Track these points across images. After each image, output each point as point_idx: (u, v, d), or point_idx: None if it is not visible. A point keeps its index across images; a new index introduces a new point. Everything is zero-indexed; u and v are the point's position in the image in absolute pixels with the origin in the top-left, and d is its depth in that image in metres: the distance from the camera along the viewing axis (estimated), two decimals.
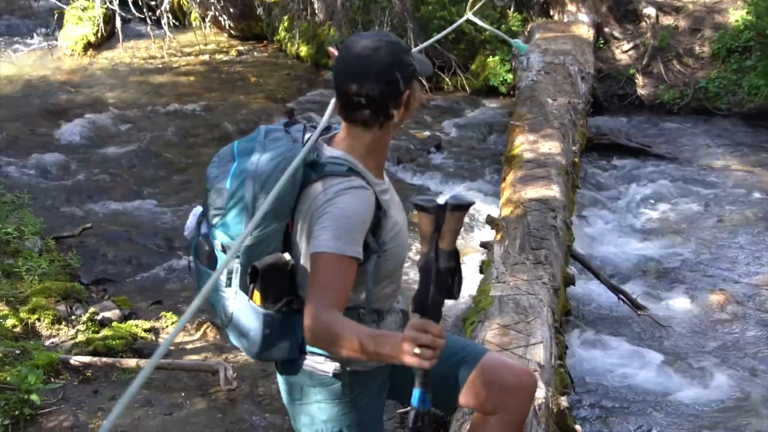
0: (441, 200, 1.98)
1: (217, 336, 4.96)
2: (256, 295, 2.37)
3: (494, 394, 2.58)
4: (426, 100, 8.59)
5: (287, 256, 2.40)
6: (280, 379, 2.60)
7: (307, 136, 2.44)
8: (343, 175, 2.33)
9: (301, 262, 2.39)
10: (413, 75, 2.39)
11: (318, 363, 2.46)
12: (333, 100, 2.47)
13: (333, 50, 2.58)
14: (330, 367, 2.46)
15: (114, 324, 4.91)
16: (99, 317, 4.94)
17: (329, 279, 2.24)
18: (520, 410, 2.64)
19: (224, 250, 2.41)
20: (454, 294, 2.06)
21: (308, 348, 2.45)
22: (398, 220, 2.47)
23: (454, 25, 4.38)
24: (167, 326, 5.05)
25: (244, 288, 2.39)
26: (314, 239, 2.28)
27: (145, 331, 4.93)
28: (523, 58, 8.72)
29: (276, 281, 2.36)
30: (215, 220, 2.41)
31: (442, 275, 1.99)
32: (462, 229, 2.03)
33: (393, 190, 2.55)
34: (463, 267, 2.10)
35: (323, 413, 2.52)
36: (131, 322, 4.99)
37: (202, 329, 5.00)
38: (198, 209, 2.59)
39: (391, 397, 2.71)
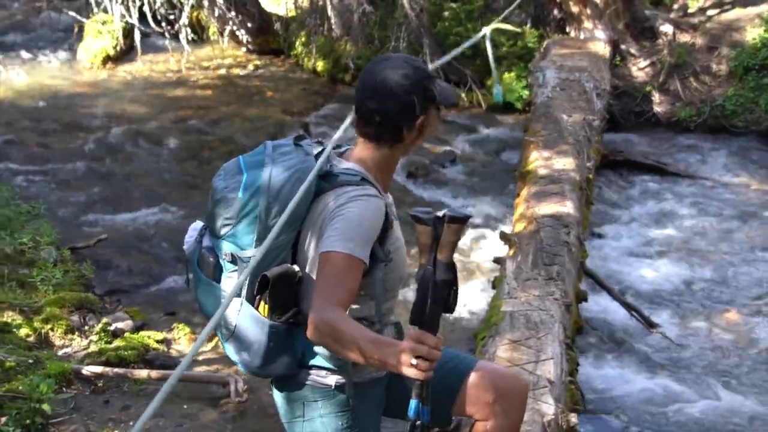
0: (439, 213, 2.01)
1: None
2: (263, 306, 2.38)
3: (488, 401, 2.61)
4: (442, 116, 8.59)
5: (296, 266, 2.42)
6: (277, 397, 2.60)
7: (319, 149, 2.49)
8: (356, 183, 2.38)
9: (307, 270, 2.42)
10: (431, 101, 2.45)
11: (320, 377, 2.47)
12: (350, 115, 2.52)
13: None
14: (332, 380, 2.47)
15: (126, 335, 4.94)
16: (112, 328, 4.97)
17: (336, 277, 2.24)
18: (514, 415, 2.69)
19: (234, 260, 2.42)
20: (450, 307, 2.09)
21: (309, 362, 2.46)
22: (399, 236, 2.52)
23: (472, 41, 4.37)
24: (179, 337, 5.07)
25: (251, 299, 2.39)
26: (325, 240, 2.29)
27: (158, 342, 4.96)
28: (539, 74, 8.72)
29: (284, 292, 2.37)
30: (224, 231, 2.43)
31: (440, 288, 2.02)
32: (460, 242, 2.08)
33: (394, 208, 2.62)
34: (459, 281, 2.13)
35: (327, 428, 2.51)
36: (144, 333, 5.02)
37: (214, 341, 5.01)
38: (197, 224, 2.60)
39: (387, 414, 2.71)
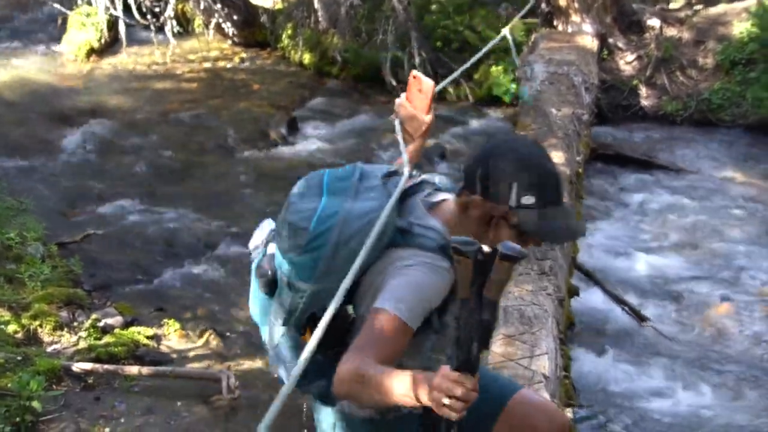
0: (485, 246, 1.83)
1: (220, 344, 4.94)
2: (308, 336, 2.27)
3: None
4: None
5: (350, 309, 2.28)
6: (313, 404, 2.50)
7: (398, 188, 2.28)
8: (432, 250, 2.19)
9: (360, 313, 2.27)
10: (505, 203, 2.18)
11: (354, 407, 2.37)
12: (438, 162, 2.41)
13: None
14: (366, 412, 2.37)
15: (116, 331, 4.90)
16: (101, 324, 4.93)
17: (382, 336, 2.10)
18: None
19: (290, 286, 2.27)
20: (489, 345, 1.94)
21: None
22: None
23: (493, 43, 4.23)
24: (169, 333, 5.03)
25: (298, 326, 2.31)
26: (381, 294, 2.14)
27: (148, 337, 4.92)
28: (527, 68, 8.71)
29: (334, 331, 2.17)
30: (288, 255, 2.27)
31: (485, 329, 1.86)
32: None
33: None
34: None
35: None
36: (133, 328, 4.98)
37: (205, 337, 4.98)
38: (268, 224, 2.49)
39: None
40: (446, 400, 1.81)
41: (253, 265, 2.41)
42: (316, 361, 2.18)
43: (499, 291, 1.83)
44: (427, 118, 2.53)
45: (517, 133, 2.16)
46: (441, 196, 2.34)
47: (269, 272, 2.32)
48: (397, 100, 2.56)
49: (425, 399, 1.87)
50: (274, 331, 2.34)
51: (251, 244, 2.47)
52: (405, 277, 2.15)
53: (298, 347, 2.28)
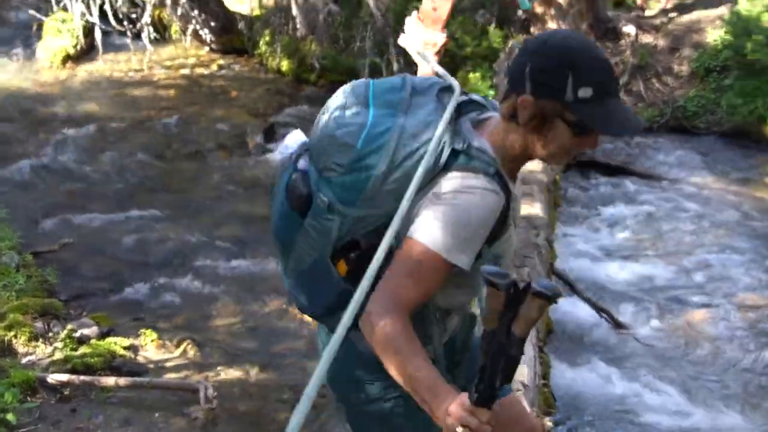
0: (518, 280, 1.71)
1: (198, 354, 4.91)
2: (342, 265, 2.07)
3: None
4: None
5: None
6: (322, 333, 2.31)
7: (451, 107, 2.03)
8: (485, 174, 1.97)
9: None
10: (553, 96, 1.93)
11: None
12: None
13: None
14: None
15: (92, 341, 4.85)
16: (77, 334, 4.87)
17: (417, 274, 1.92)
18: None
19: (331, 209, 2.04)
20: (511, 380, 1.80)
21: None
22: (512, 234, 2.13)
23: None
24: (146, 344, 4.99)
25: (332, 253, 2.08)
26: (420, 223, 1.94)
27: (124, 348, 4.87)
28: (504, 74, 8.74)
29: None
30: (329, 174, 2.05)
31: (511, 364, 1.73)
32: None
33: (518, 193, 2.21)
34: None
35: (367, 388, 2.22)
36: (110, 339, 4.93)
37: (182, 347, 4.95)
38: (298, 135, 2.26)
39: None
40: (459, 429, 1.73)
41: (284, 180, 2.16)
42: (345, 293, 1.98)
43: (528, 328, 1.71)
44: (443, 35, 2.41)
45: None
46: (488, 113, 2.11)
47: (304, 191, 2.10)
48: (409, 19, 2.41)
49: (439, 417, 1.78)
50: (305, 256, 2.12)
51: (278, 154, 2.24)
52: (451, 207, 1.94)
53: (329, 278, 2.08)
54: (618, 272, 6.39)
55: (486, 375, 1.73)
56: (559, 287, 1.72)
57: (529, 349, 4.13)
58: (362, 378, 2.23)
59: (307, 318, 5.22)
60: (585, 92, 1.92)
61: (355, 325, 1.82)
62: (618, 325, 5.56)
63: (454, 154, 1.98)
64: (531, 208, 5.72)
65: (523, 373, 3.92)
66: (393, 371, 1.90)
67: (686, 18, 10.37)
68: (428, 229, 1.93)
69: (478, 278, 1.92)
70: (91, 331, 4.97)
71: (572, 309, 5.72)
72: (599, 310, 5.63)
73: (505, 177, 2.00)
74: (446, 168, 1.97)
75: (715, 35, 9.74)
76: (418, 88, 2.07)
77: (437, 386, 1.82)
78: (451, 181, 1.96)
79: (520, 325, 1.69)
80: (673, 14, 10.43)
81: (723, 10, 10.11)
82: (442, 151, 1.96)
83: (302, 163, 2.14)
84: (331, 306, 2.11)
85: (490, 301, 1.71)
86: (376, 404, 2.25)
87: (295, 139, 2.22)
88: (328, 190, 2.04)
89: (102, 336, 4.97)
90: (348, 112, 2.06)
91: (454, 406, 1.73)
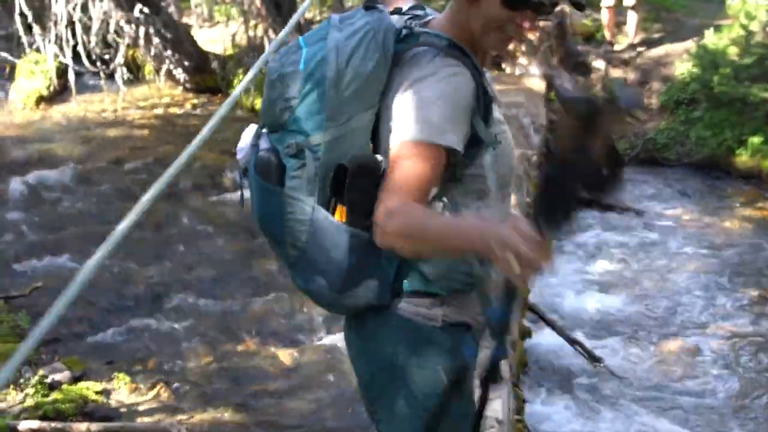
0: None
1: (171, 396, 4.87)
2: (340, 209, 1.95)
3: None
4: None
5: (379, 156, 1.94)
6: (362, 344, 2.13)
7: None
8: (441, 47, 1.90)
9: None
10: None
11: (424, 307, 2.01)
12: None
13: None
14: (440, 311, 2.01)
15: (64, 386, 4.79)
16: (48, 380, 4.82)
17: (411, 170, 1.81)
18: None
19: (298, 152, 1.96)
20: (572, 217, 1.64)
21: (407, 287, 2.00)
22: (501, 118, 2.05)
23: None
24: (119, 387, 4.94)
25: (324, 200, 1.96)
26: (395, 126, 1.87)
27: (97, 392, 4.82)
28: None
29: (366, 188, 1.86)
30: (285, 117, 1.98)
31: (595, 180, 1.61)
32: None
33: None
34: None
35: (436, 376, 2.07)
36: (82, 383, 4.88)
37: (155, 390, 4.91)
38: (251, 127, 2.17)
39: None
40: (511, 258, 1.57)
41: (251, 167, 2.09)
42: (361, 244, 1.89)
43: (610, 138, 1.61)
44: None
45: None
46: (429, 15, 2.09)
47: (272, 158, 2.02)
48: None
49: (485, 247, 1.62)
50: (298, 227, 2.00)
51: (239, 154, 2.17)
52: (414, 97, 1.86)
53: (334, 231, 1.96)
54: (592, 305, 6.43)
55: (550, 203, 1.60)
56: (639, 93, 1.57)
57: (503, 385, 4.14)
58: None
59: (281, 356, 5.22)
60: None
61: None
62: (592, 359, 5.58)
63: (401, 39, 1.94)
64: None
65: (497, 408, 3.92)
66: (427, 251, 1.82)
67: (654, 52, 10.53)
68: (403, 126, 1.86)
69: (486, 166, 1.92)
70: (63, 376, 4.92)
71: (546, 343, 5.74)
72: (573, 343, 5.64)
73: (464, 49, 1.94)
74: (397, 62, 1.91)
75: (683, 68, 9.89)
76: (345, 15, 2.03)
77: (482, 220, 1.74)
78: (408, 73, 1.90)
79: (600, 140, 1.58)
80: (641, 48, 10.58)
81: (690, 44, 10.28)
82: (386, 36, 1.89)
83: (262, 143, 2.08)
84: (351, 269, 1.96)
85: (563, 126, 1.67)
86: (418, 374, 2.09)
87: (247, 133, 2.18)
88: (291, 134, 1.98)
89: (74, 381, 4.92)
90: (284, 57, 2.03)
91: (509, 230, 1.59)
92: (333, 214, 1.96)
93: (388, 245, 1.83)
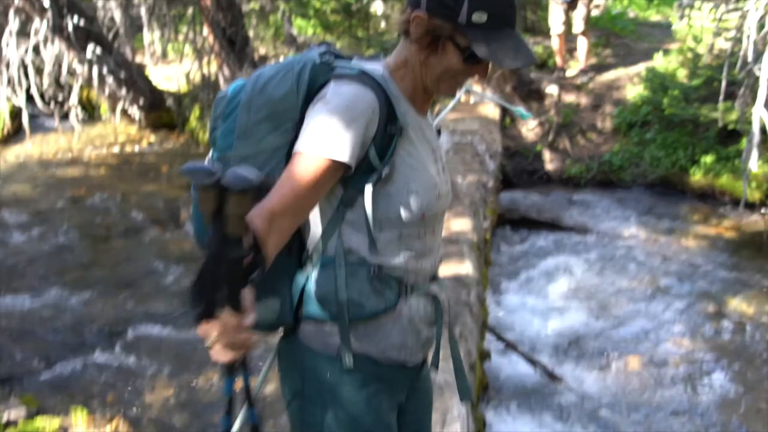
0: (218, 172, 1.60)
1: (130, 430, 4.81)
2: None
3: None
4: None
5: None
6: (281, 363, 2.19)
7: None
8: (350, 77, 1.94)
9: None
10: (447, 17, 1.90)
11: (321, 333, 2.03)
12: None
13: None
14: (336, 340, 2.02)
15: (20, 423, 4.72)
16: (4, 418, 4.75)
17: (290, 179, 1.82)
18: None
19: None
20: (254, 279, 1.67)
21: (307, 311, 2.03)
22: (420, 157, 2.03)
23: (454, 101, 4.20)
24: (77, 422, 4.87)
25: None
26: (298, 141, 1.90)
27: (54, 429, 4.75)
28: None
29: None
30: (213, 136, 2.08)
31: (234, 264, 1.62)
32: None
33: (434, 137, 2.14)
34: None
35: (333, 409, 2.05)
36: (39, 419, 4.80)
37: (114, 423, 4.84)
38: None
39: None
40: (216, 349, 1.64)
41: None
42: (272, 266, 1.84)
43: (239, 226, 1.60)
44: None
45: None
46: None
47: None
48: None
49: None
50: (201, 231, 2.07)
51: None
52: (317, 113, 1.90)
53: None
54: (551, 324, 6.46)
55: (210, 284, 1.63)
56: (253, 177, 1.56)
57: (462, 407, 4.14)
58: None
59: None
60: (479, 17, 1.89)
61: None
62: (553, 378, 5.60)
63: (321, 68, 1.97)
64: (461, 267, 5.78)
65: (456, 430, 3.91)
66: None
67: (606, 76, 10.71)
68: (302, 140, 1.89)
69: (361, 209, 1.93)
70: (19, 412, 4.85)
71: (506, 364, 5.76)
72: (534, 363, 5.67)
73: (376, 79, 1.96)
74: (314, 88, 1.95)
75: (634, 92, 10.08)
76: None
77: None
78: (320, 95, 1.93)
79: (228, 226, 1.60)
80: (592, 74, 10.76)
81: (640, 68, 10.48)
82: (305, 65, 1.95)
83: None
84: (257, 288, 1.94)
85: (201, 203, 1.62)
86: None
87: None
88: (212, 151, 2.08)
89: (31, 417, 4.85)
90: (228, 87, 2.12)
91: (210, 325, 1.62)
92: None
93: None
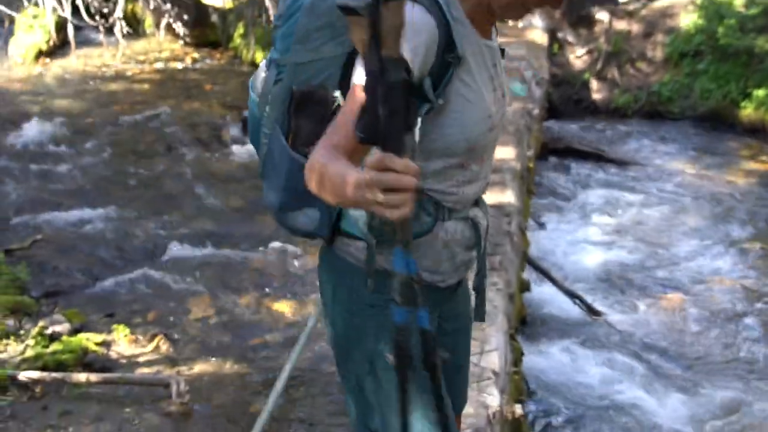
0: None
1: (170, 348, 4.88)
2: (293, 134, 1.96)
3: None
4: None
5: (337, 92, 1.91)
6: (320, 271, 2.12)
7: None
8: None
9: None
10: None
11: (354, 248, 1.97)
12: None
13: None
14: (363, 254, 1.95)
15: (64, 338, 4.81)
16: (49, 331, 4.84)
17: (349, 112, 1.71)
18: None
19: (269, 65, 2.02)
20: (411, 123, 1.55)
21: (344, 226, 1.98)
22: (481, 89, 1.90)
23: None
24: (119, 339, 4.95)
25: (282, 120, 1.97)
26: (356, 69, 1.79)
27: (96, 344, 4.83)
28: None
29: (313, 118, 1.86)
30: (274, 35, 2.02)
31: (393, 92, 1.48)
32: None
33: (496, 61, 1.98)
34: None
35: (352, 318, 2.00)
36: (82, 335, 4.89)
37: (155, 342, 4.92)
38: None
39: None
40: (380, 196, 1.43)
41: (250, 82, 2.13)
42: (298, 170, 1.81)
43: (396, 42, 1.48)
44: None
45: None
46: None
47: (262, 73, 2.07)
48: None
49: (354, 198, 1.52)
50: (263, 142, 2.05)
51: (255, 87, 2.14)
52: None
53: (283, 153, 1.97)
54: (593, 258, 6.42)
55: (371, 115, 1.50)
56: None
57: (500, 337, 4.14)
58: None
59: (281, 309, 5.23)
60: None
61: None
62: (592, 312, 5.58)
63: None
64: (502, 196, 5.72)
65: (494, 361, 3.92)
66: (323, 194, 1.68)
67: (659, 3, 10.40)
68: (358, 72, 1.76)
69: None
70: (63, 327, 4.93)
71: (546, 296, 5.74)
72: (573, 297, 5.65)
73: (440, 1, 1.82)
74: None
75: (688, 20, 9.78)
76: None
77: (340, 167, 1.62)
78: None
79: (386, 44, 1.48)
80: (645, 0, 10.46)
81: None
82: None
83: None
84: (291, 191, 1.97)
85: (354, 35, 1.53)
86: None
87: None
88: (273, 51, 2.03)
89: (74, 332, 4.93)
90: None
91: (365, 172, 1.46)
92: (288, 137, 1.98)
93: (306, 177, 1.76)
